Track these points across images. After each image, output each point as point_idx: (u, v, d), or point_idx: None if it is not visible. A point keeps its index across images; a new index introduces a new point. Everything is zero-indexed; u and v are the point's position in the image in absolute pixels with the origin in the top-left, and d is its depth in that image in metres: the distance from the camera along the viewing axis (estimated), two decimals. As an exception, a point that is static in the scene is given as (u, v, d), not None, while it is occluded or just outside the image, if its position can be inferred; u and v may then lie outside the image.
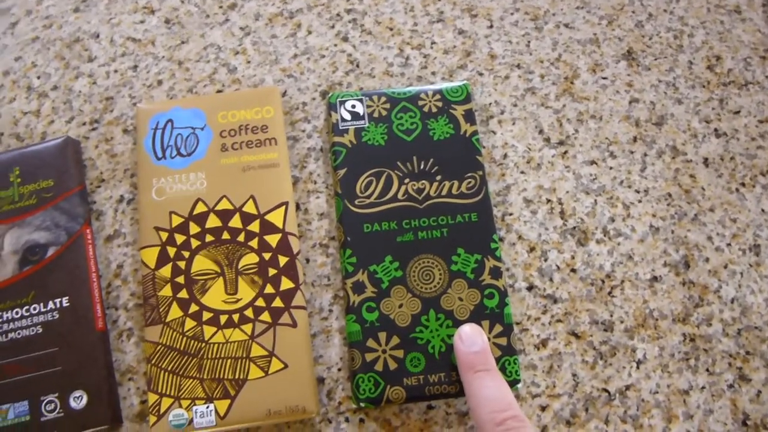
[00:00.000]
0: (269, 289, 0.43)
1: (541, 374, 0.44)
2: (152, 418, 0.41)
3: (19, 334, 0.42)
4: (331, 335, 0.44)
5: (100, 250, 0.45)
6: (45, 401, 0.41)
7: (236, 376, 0.42)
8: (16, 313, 0.43)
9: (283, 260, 0.44)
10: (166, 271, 0.43)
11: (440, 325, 0.43)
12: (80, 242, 0.44)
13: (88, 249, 0.44)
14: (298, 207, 0.46)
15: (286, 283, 0.43)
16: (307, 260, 0.46)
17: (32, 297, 0.43)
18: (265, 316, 0.43)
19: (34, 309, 0.43)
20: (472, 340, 0.40)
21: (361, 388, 0.42)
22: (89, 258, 0.44)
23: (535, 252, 0.46)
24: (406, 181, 0.45)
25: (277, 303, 0.43)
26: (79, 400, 0.41)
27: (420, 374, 0.42)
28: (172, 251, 0.44)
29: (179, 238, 0.44)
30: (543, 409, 0.43)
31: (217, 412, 0.41)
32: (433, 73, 0.51)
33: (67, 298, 0.43)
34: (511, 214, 0.47)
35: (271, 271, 0.43)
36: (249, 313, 0.43)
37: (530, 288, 0.46)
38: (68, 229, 0.44)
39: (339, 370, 0.44)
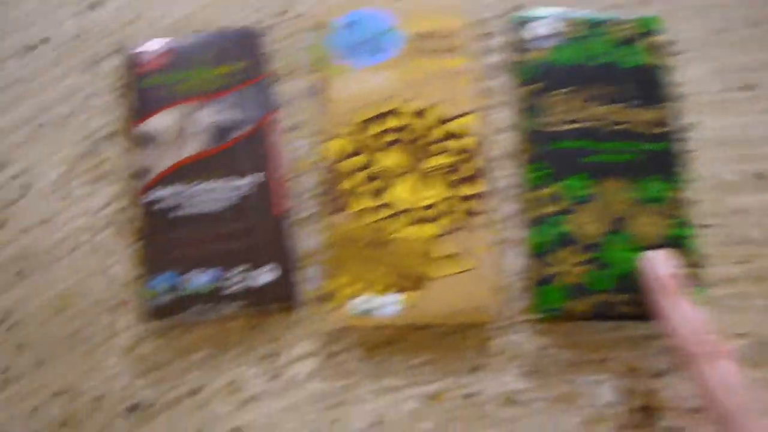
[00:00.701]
0: (456, 191, 0.43)
1: (724, 313, 0.44)
2: (333, 303, 0.42)
3: (209, 207, 0.43)
4: (512, 245, 0.44)
5: (283, 138, 0.45)
6: (231, 273, 0.42)
7: (420, 272, 0.42)
8: (206, 187, 0.43)
9: (469, 166, 0.43)
10: (351, 163, 0.43)
11: (626, 248, 0.42)
12: (267, 127, 0.44)
13: (274, 134, 0.44)
14: (481, 119, 0.46)
15: (472, 188, 0.43)
16: (490, 171, 0.45)
17: (222, 173, 0.43)
18: (452, 217, 0.42)
19: (225, 184, 0.43)
20: (663, 264, 0.40)
21: (545, 300, 0.42)
22: (275, 143, 0.44)
23: (717, 191, 0.45)
24: (596, 104, 0.44)
25: (464, 206, 0.43)
26: (264, 276, 0.42)
27: (605, 292, 0.42)
28: (358, 145, 0.43)
29: (365, 134, 0.44)
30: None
31: (401, 304, 0.41)
32: (625, 2, 0.49)
33: (256, 177, 0.43)
34: (694, 151, 0.46)
35: (458, 175, 0.43)
36: (435, 212, 0.43)
37: (707, 227, 0.45)
38: (256, 113, 0.44)
39: (518, 280, 0.44)
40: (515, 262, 0.44)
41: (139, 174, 0.43)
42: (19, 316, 0.44)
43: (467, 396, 0.42)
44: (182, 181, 0.43)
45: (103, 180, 0.46)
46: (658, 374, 0.42)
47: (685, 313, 0.38)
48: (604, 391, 0.42)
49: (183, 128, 0.44)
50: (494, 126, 0.46)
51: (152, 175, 0.43)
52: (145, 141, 0.44)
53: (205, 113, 0.44)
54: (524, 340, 0.43)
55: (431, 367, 0.43)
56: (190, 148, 0.44)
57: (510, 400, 0.42)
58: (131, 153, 0.45)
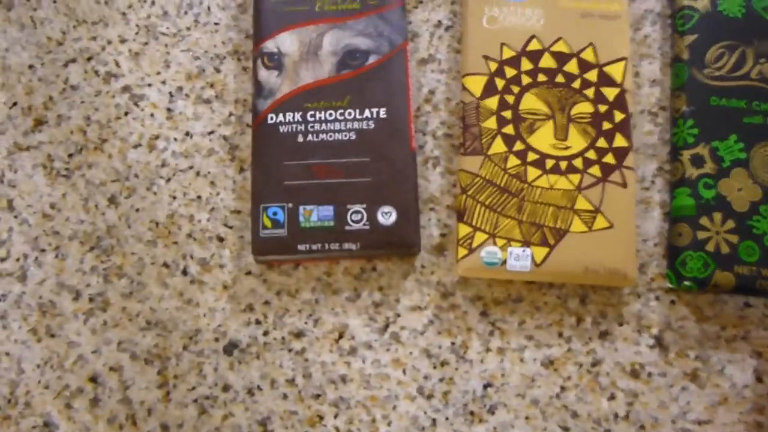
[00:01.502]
0: (601, 143, 0.40)
1: None
2: (462, 251, 0.38)
3: (331, 137, 0.40)
4: (650, 207, 0.41)
5: (413, 72, 0.42)
6: (351, 210, 0.39)
7: (557, 225, 0.38)
8: (330, 115, 0.40)
9: (618, 116, 0.40)
10: (492, 102, 0.40)
11: (780, 218, 0.39)
12: (401, 57, 0.41)
13: (407, 65, 0.41)
14: (633, 68, 0.42)
15: (619, 141, 0.40)
16: (633, 126, 0.42)
17: (348, 101, 0.40)
18: (595, 170, 0.39)
19: (349, 114, 0.40)
20: None
21: (688, 266, 0.38)
22: (408, 75, 0.41)
23: None
24: (762, 60, 0.41)
25: (608, 159, 0.39)
26: (387, 216, 0.38)
27: (753, 265, 0.38)
28: (500, 83, 0.40)
29: (509, 72, 0.41)
30: None
31: (533, 258, 0.38)
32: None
33: (384, 109, 0.40)
34: None
35: (605, 125, 0.40)
36: (577, 163, 0.39)
37: None
38: (391, 40, 0.41)
39: (655, 245, 0.40)
40: (655, 225, 0.40)
41: (256, 97, 0.40)
42: (112, 241, 0.40)
43: (588, 364, 0.39)
44: (304, 107, 0.40)
45: (214, 101, 0.42)
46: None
47: None
48: (739, 371, 0.38)
49: (309, 51, 0.41)
50: (646, 77, 0.43)
51: (271, 99, 0.40)
52: (266, 62, 0.41)
53: (335, 37, 0.41)
54: (657, 309, 0.39)
55: (552, 330, 0.39)
56: (315, 73, 0.40)
57: (634, 372, 0.38)
58: (250, 74, 0.42)
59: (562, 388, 0.38)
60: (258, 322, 0.39)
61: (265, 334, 0.39)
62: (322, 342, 0.39)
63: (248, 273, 0.40)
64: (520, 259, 0.38)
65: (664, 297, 0.39)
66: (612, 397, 0.38)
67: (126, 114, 0.42)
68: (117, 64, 0.43)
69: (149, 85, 0.43)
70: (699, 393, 0.38)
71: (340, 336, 0.39)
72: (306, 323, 0.39)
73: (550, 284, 0.39)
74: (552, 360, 0.39)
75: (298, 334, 0.39)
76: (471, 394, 0.38)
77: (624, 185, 0.39)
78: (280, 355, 0.38)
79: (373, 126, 0.40)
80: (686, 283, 0.38)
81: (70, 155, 0.42)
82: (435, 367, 0.38)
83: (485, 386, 0.38)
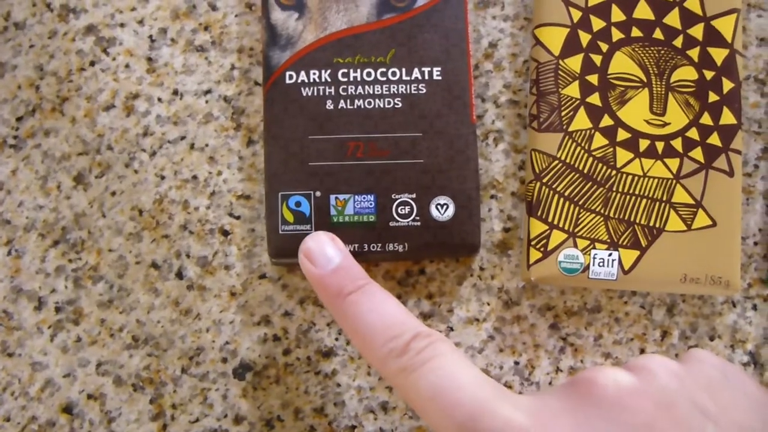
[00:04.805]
0: (706, 119, 0.32)
1: None
2: (534, 254, 0.31)
3: (370, 103, 0.31)
4: (752, 198, 0.34)
5: (470, 18, 0.33)
6: (398, 201, 0.30)
7: (651, 223, 0.31)
8: (369, 74, 0.31)
9: (727, 85, 0.32)
10: (574, 62, 0.32)
11: None
12: (455, 0, 0.32)
13: (466, 8, 0.32)
14: (743, 23, 0.34)
15: (726, 117, 0.32)
16: (743, 96, 0.34)
17: (392, 57, 0.31)
18: (697, 154, 0.32)
19: (394, 74, 0.31)
20: (324, 256, 0.27)
21: (798, 272, 0.32)
22: (467, 22, 0.32)
23: None
24: None
25: (714, 140, 0.32)
26: (443, 209, 0.30)
27: None
28: (585, 38, 0.32)
29: (596, 24, 0.32)
30: None
31: (620, 263, 0.31)
32: None
33: (439, 69, 0.31)
34: None
35: (712, 97, 0.32)
36: (677, 144, 0.32)
37: None
38: (444, -24, 0.32)
39: (755, 243, 0.34)
40: (757, 219, 0.33)
41: (269, 46, 0.31)
42: (82, 233, 0.31)
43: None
44: (333, 63, 0.31)
45: (211, 49, 0.32)
46: None
47: (367, 316, 0.25)
48: (836, 393, 0.33)
49: (340, -12, 0.31)
50: (754, 33, 0.34)
51: (290, 51, 0.31)
52: (281, 0, 0.31)
53: (375, -30, 0.31)
54: (755, 321, 0.33)
55: (634, 345, 0.32)
56: (349, 17, 0.31)
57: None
58: (258, 13, 0.32)
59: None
60: (277, 338, 0.31)
61: (286, 353, 0.31)
62: (357, 363, 0.31)
63: (262, 276, 0.31)
64: (605, 264, 0.31)
65: (763, 306, 0.33)
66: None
67: (92, 64, 0.32)
68: (77, -5, 0.33)
69: (122, 25, 0.33)
70: (795, 417, 0.33)
71: (380, 355, 0.31)
72: (337, 340, 0.31)
73: (634, 291, 0.33)
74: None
75: (328, 354, 0.31)
76: (537, 424, 0.32)
77: (730, 173, 0.32)
78: (305, 378, 0.31)
79: (424, 91, 0.31)
80: (793, 291, 0.32)
81: (19, 119, 0.32)
82: (495, 392, 0.32)
83: (554, 414, 0.32)
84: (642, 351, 0.32)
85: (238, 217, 0.32)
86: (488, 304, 0.32)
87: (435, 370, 0.23)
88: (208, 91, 0.32)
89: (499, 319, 0.32)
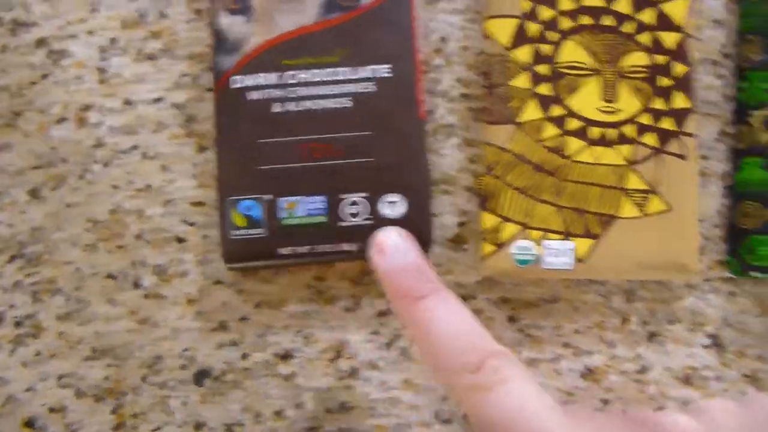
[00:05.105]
0: (659, 103, 0.32)
1: None
2: (487, 247, 0.31)
3: (318, 104, 0.31)
4: (708, 180, 0.34)
5: (420, 13, 0.33)
6: (348, 201, 0.30)
7: (604, 211, 0.31)
8: (317, 75, 0.31)
9: (679, 69, 0.32)
10: (524, 53, 0.31)
11: None
12: (403, -5, 0.32)
13: (413, 4, 0.32)
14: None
15: (679, 101, 0.32)
16: (696, 79, 0.34)
17: (340, 56, 0.31)
18: (650, 139, 0.32)
19: (342, 74, 0.31)
20: (398, 250, 0.26)
21: (758, 253, 0.32)
22: (414, 17, 0.32)
23: None
24: None
25: (667, 124, 0.32)
26: (393, 207, 0.30)
27: (833, 248, 0.32)
28: (534, 29, 0.32)
29: (545, 13, 0.32)
30: None
31: (575, 252, 0.31)
32: None
33: (388, 66, 0.31)
34: None
35: (664, 81, 0.32)
36: (629, 130, 0.32)
37: None
38: (389, -27, 0.32)
39: (715, 226, 0.33)
40: (714, 202, 0.33)
41: (217, 52, 0.31)
42: (39, 247, 0.31)
43: (633, 372, 0.32)
44: (281, 65, 0.30)
45: (161, 57, 0.32)
46: None
47: (441, 325, 0.25)
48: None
49: (283, -10, 0.31)
50: (707, 15, 0.34)
51: (237, 56, 0.31)
52: (230, 2, 0.31)
53: (317, -30, 0.31)
54: (715, 303, 0.33)
55: (593, 334, 0.32)
56: (296, 18, 0.31)
57: (686, 378, 0.32)
58: (204, 19, 0.32)
59: (604, 402, 0.32)
60: (234, 343, 0.31)
61: (245, 357, 0.31)
62: (315, 363, 0.31)
63: (219, 282, 0.31)
64: (559, 254, 0.31)
65: (722, 288, 0.33)
66: (661, 408, 0.32)
67: (44, 77, 0.32)
68: (26, 8, 0.33)
69: (72, 36, 0.33)
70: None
71: (338, 355, 0.31)
72: (295, 342, 0.31)
73: (591, 279, 0.33)
74: (592, 369, 0.32)
75: (286, 356, 0.31)
76: (501, 418, 0.32)
77: (684, 157, 0.32)
78: (264, 382, 0.31)
79: (374, 89, 0.31)
80: (753, 273, 0.32)
81: (-28, 135, 0.32)
82: (457, 388, 0.32)
83: (517, 407, 0.32)
84: (602, 339, 0.32)
85: (192, 224, 0.32)
86: (446, 300, 0.32)
87: (508, 393, 0.23)
88: (159, 99, 0.32)
89: (458, 314, 0.32)
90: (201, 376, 0.31)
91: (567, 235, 0.31)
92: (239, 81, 0.30)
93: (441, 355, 0.24)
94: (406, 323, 0.25)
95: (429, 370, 0.27)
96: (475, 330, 0.25)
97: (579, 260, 0.31)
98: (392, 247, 0.26)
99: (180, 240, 0.31)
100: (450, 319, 0.24)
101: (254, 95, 0.30)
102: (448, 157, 0.32)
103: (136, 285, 0.31)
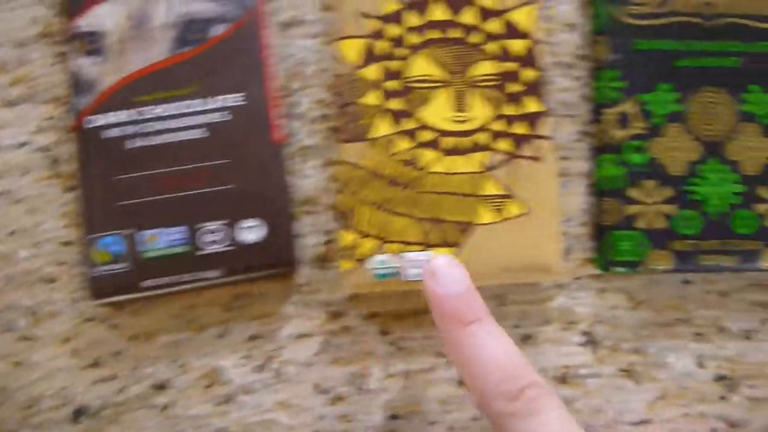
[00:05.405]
0: (510, 109, 0.32)
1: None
2: (347, 264, 0.31)
3: (176, 136, 0.31)
4: (571, 180, 0.34)
5: (275, 40, 0.34)
6: (208, 229, 0.31)
7: (462, 219, 0.31)
8: (170, 108, 0.31)
9: (528, 75, 0.33)
10: (373, 71, 0.32)
11: (722, 178, 0.33)
12: (255, 22, 0.32)
13: (264, 32, 0.33)
14: (541, 12, 0.35)
15: (530, 105, 0.32)
16: (548, 83, 0.35)
17: (194, 89, 0.32)
18: (503, 144, 0.32)
19: (196, 105, 0.32)
20: (450, 278, 0.27)
21: (618, 248, 0.32)
22: (266, 45, 0.32)
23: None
24: (695, -12, 0.34)
25: (519, 129, 0.32)
26: (252, 231, 0.31)
27: (692, 238, 0.32)
28: (382, 46, 0.32)
29: (392, 31, 0.32)
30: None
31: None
32: None
33: (241, 95, 0.32)
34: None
35: (513, 87, 0.32)
36: (482, 138, 0.32)
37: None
38: (241, 2, 0.32)
39: (581, 224, 0.34)
40: (578, 201, 0.34)
41: (74, 93, 0.31)
42: None
43: (518, 377, 0.33)
44: (134, 102, 0.31)
45: (24, 102, 0.33)
46: (749, 335, 0.33)
47: (485, 352, 0.25)
48: (679, 359, 0.33)
49: (136, 26, 0.32)
50: (560, 20, 0.35)
51: (91, 96, 0.31)
52: (83, 44, 0.32)
53: (168, 4, 0.32)
54: (586, 300, 0.33)
55: (473, 342, 0.33)
56: (147, 55, 0.32)
57: (562, 377, 0.33)
58: (64, 62, 0.33)
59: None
60: (110, 378, 0.31)
61: (121, 391, 0.31)
62: (190, 392, 0.31)
63: (91, 319, 0.32)
64: (418, 266, 0.31)
65: (592, 285, 0.33)
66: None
67: None
68: None
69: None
70: (637, 390, 0.33)
71: (212, 382, 0.32)
72: (169, 372, 0.31)
73: (462, 288, 0.33)
74: (472, 376, 0.33)
75: (161, 387, 0.31)
76: (376, 430, 0.32)
77: (539, 159, 0.32)
78: (141, 414, 0.31)
79: (229, 118, 0.31)
80: (617, 268, 0.32)
81: None
82: (331, 404, 0.31)
83: (392, 418, 0.32)
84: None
85: (63, 264, 0.32)
86: (315, 319, 0.32)
87: (541, 424, 0.24)
88: (24, 144, 0.33)
89: (328, 332, 0.32)
90: (78, 414, 0.31)
91: (426, 245, 0.31)
92: (94, 120, 0.31)
93: (481, 381, 0.25)
94: (450, 347, 0.26)
95: (471, 394, 0.28)
96: (517, 360, 0.26)
97: (440, 269, 0.31)
98: (446, 275, 0.27)
99: (50, 280, 0.32)
100: (493, 347, 0.25)
101: (110, 133, 0.31)
102: (310, 178, 0.33)
103: (9, 329, 0.32)
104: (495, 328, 0.26)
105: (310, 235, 0.33)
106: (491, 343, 0.26)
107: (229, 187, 0.31)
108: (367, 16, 0.32)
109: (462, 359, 0.26)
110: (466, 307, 0.26)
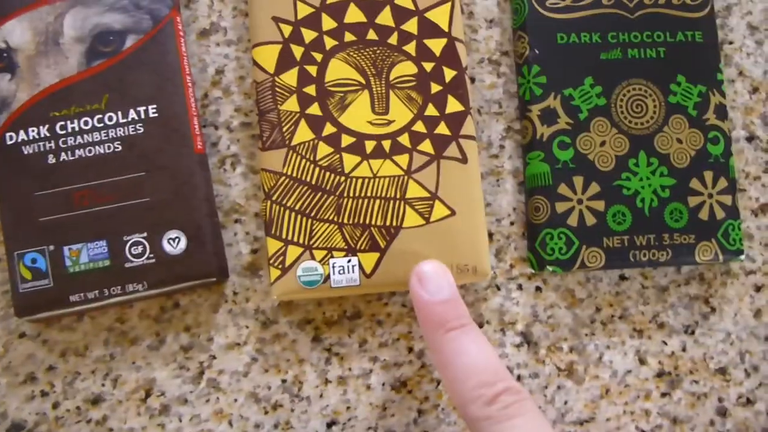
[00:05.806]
0: (431, 110, 0.32)
1: (759, 246, 0.35)
2: (274, 272, 0.31)
3: (90, 151, 0.31)
4: (502, 179, 0.34)
5: (192, 48, 0.33)
6: (130, 242, 0.31)
7: (387, 223, 0.31)
8: (86, 123, 0.31)
9: (449, 74, 0.32)
10: (290, 77, 0.32)
11: (652, 171, 0.32)
12: (169, 31, 0.32)
13: (179, 41, 0.32)
14: (461, 9, 0.34)
15: (453, 105, 0.32)
16: (472, 80, 0.34)
17: (106, 102, 0.31)
18: (426, 146, 0.32)
19: (110, 119, 0.31)
20: (437, 284, 0.28)
21: (549, 247, 0.32)
22: (181, 54, 0.32)
23: (758, 94, 0.36)
24: (618, -22, 0.33)
25: (442, 129, 0.32)
26: (175, 243, 0.31)
27: (624, 234, 0.32)
28: (298, 51, 0.32)
29: (308, 35, 0.32)
30: (758, 289, 0.34)
31: (361, 268, 0.31)
32: None
33: (154, 106, 0.31)
34: (731, 43, 0.36)
35: (434, 87, 0.32)
36: (404, 140, 0.32)
37: (750, 139, 0.35)
38: (153, 12, 0.32)
39: (512, 223, 0.34)
40: (509, 199, 0.34)
41: (-13, 111, 0.31)
42: None
43: (455, 376, 0.33)
44: (50, 117, 0.31)
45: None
46: (689, 329, 0.33)
47: (464, 357, 0.26)
48: (619, 356, 0.33)
49: (47, 41, 0.31)
50: (481, 16, 0.34)
51: (6, 113, 0.31)
52: (-11, 63, 0.32)
53: (78, 17, 0.31)
54: (522, 300, 0.33)
55: (400, 345, 0.32)
56: (59, 70, 0.31)
57: (509, 376, 0.33)
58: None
59: (420, 412, 0.32)
60: (44, 393, 0.31)
61: (55, 406, 0.31)
62: (125, 405, 0.31)
63: (22, 336, 0.32)
64: (345, 271, 0.31)
65: (527, 285, 0.33)
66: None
67: None
68: None
69: None
70: (577, 389, 0.33)
71: (147, 394, 0.32)
72: (103, 385, 0.32)
73: (392, 291, 0.33)
74: (404, 381, 0.32)
75: (96, 400, 0.32)
76: (313, 437, 0.32)
77: (464, 160, 0.32)
78: (77, 429, 0.31)
79: (142, 130, 0.31)
80: (548, 268, 0.32)
81: None
82: (266, 412, 0.32)
83: (329, 425, 0.32)
84: (410, 350, 0.32)
85: (-9, 282, 0.32)
86: (246, 327, 0.32)
87: (517, 428, 0.25)
88: (-54, 163, 0.33)
89: (260, 340, 0.32)
90: (13, 431, 0.31)
91: (351, 251, 0.31)
92: (11, 137, 0.31)
93: (460, 385, 0.26)
94: (434, 351, 0.27)
95: (450, 396, 0.29)
96: (495, 366, 0.26)
97: (366, 275, 0.31)
98: (432, 281, 0.28)
99: (-22, 299, 0.32)
100: (473, 353, 0.26)
101: (27, 149, 0.31)
102: (236, 186, 0.33)
103: (-61, 348, 0.32)
104: (477, 334, 0.27)
105: (238, 243, 0.33)
106: (472, 349, 0.26)
107: (146, 200, 0.31)
108: (282, 21, 0.32)
109: (443, 363, 0.27)
110: (450, 314, 0.27)
